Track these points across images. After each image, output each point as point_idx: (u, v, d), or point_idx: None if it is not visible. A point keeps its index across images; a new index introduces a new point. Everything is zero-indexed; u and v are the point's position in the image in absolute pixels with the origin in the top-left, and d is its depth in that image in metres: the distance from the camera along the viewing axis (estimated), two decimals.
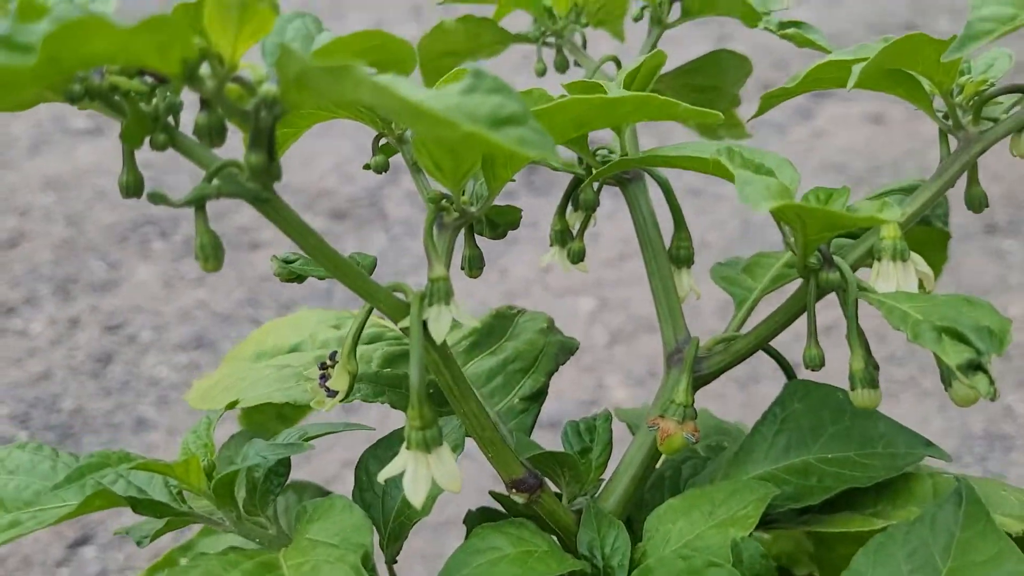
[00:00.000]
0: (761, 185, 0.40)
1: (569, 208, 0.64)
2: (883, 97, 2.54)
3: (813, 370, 0.49)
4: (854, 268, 0.50)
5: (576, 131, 0.46)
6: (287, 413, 0.68)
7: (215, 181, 0.41)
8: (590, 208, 0.60)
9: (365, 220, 2.18)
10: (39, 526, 0.46)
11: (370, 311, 0.47)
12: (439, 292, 0.45)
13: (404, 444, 0.44)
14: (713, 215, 2.05)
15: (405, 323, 0.45)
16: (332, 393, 0.47)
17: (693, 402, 0.52)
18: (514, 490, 0.51)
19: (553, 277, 1.92)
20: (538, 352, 0.61)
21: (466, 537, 0.50)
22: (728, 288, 0.60)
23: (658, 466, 0.58)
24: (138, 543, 0.52)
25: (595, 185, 0.61)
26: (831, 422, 0.54)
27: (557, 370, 0.61)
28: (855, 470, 0.52)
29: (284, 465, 0.50)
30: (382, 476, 0.45)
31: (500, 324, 0.64)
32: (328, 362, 0.48)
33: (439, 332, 0.44)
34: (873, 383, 0.48)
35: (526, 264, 1.97)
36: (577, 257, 0.62)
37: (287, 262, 0.49)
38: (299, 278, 0.52)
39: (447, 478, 0.44)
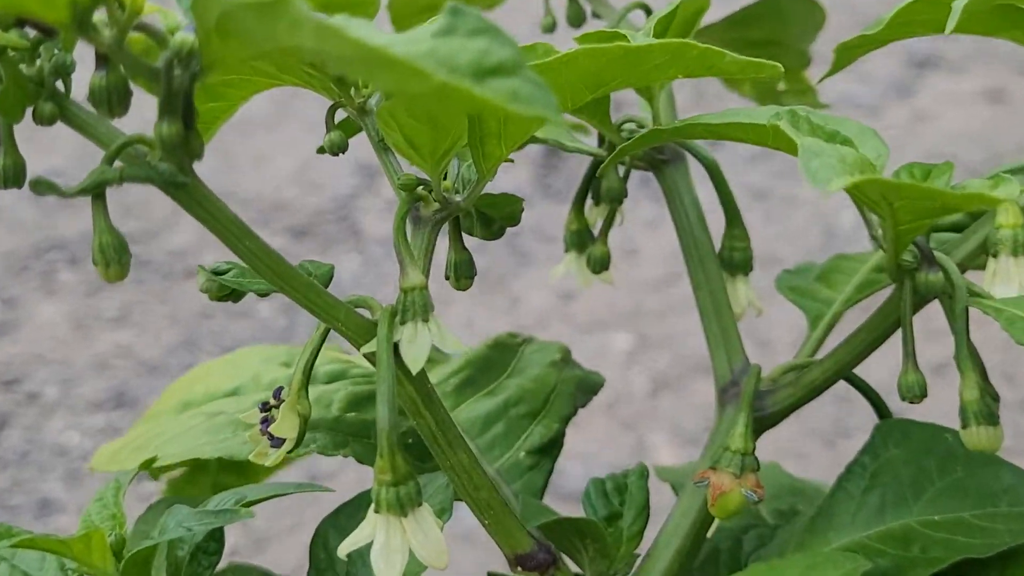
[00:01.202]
0: (833, 157, 0.40)
1: (589, 203, 0.63)
2: (1004, 67, 2.55)
3: (912, 402, 0.48)
4: (962, 269, 0.50)
5: (590, 92, 0.45)
6: (225, 480, 0.68)
7: (117, 163, 0.40)
8: (615, 200, 0.60)
9: (333, 238, 2.18)
10: None
11: (325, 334, 0.47)
12: (414, 306, 0.44)
13: (372, 507, 0.44)
14: (785, 223, 2.04)
15: (371, 347, 0.45)
16: (277, 442, 0.47)
17: (754, 449, 0.51)
18: (519, 568, 0.50)
19: (579, 306, 1.92)
20: (549, 391, 0.60)
21: None
22: (798, 301, 0.60)
23: (710, 535, 0.57)
24: None
25: (620, 169, 0.61)
26: (938, 473, 0.53)
27: (575, 414, 0.60)
28: (971, 535, 0.51)
29: (216, 540, 0.49)
30: (342, 550, 0.45)
31: (500, 356, 0.63)
32: (272, 402, 0.47)
33: (415, 358, 0.44)
34: (992, 418, 0.47)
35: (543, 290, 1.96)
36: (599, 265, 0.61)
37: (217, 273, 0.49)
38: (234, 295, 0.51)
39: (429, 549, 0.44)
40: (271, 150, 2.42)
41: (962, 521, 0.52)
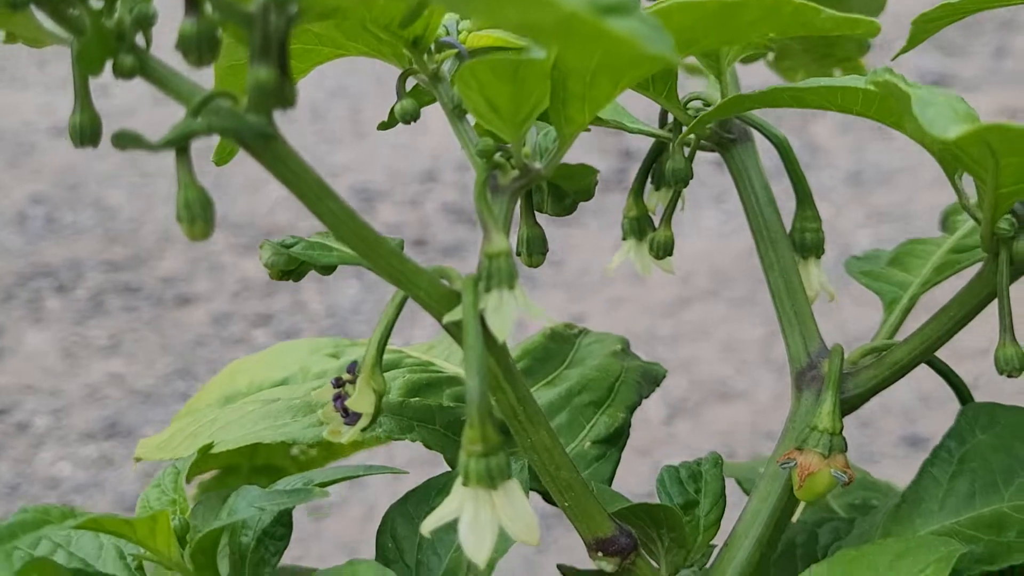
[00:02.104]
0: (946, 106, 0.40)
1: (648, 188, 0.63)
2: (1017, 86, 2.56)
3: (1010, 375, 0.48)
4: None
5: (681, 50, 0.45)
6: (257, 481, 0.67)
7: (201, 119, 0.40)
8: (681, 181, 0.60)
9: None
10: None
11: (400, 307, 0.46)
12: (499, 272, 0.44)
13: (459, 480, 0.43)
14: None
15: (454, 316, 0.44)
16: (352, 419, 0.46)
17: (842, 429, 0.51)
18: (600, 553, 0.49)
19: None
20: (614, 380, 0.60)
21: None
22: (872, 285, 0.60)
23: (790, 525, 0.56)
24: None
25: (677, 151, 0.60)
26: None
27: (640, 404, 0.60)
28: None
29: (284, 525, 0.48)
30: (426, 527, 0.44)
31: (558, 346, 0.63)
32: (345, 377, 0.47)
33: (501, 326, 0.43)
34: None
35: (553, 313, 1.96)
36: (663, 250, 0.61)
37: (285, 247, 0.48)
38: (295, 273, 0.51)
39: (519, 524, 0.43)
40: (263, 175, 2.41)
41: None
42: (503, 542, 0.45)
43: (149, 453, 0.58)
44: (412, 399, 0.55)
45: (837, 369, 0.51)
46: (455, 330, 0.45)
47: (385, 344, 0.47)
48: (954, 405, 0.61)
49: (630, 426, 0.59)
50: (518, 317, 0.45)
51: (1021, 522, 0.51)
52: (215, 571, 0.48)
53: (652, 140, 0.60)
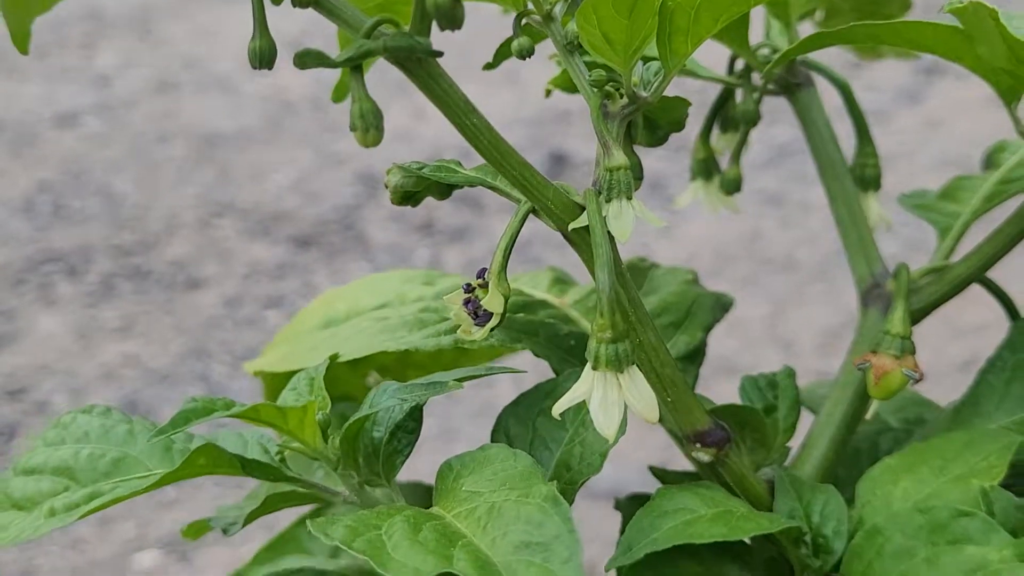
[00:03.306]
0: None
1: (715, 133, 0.69)
2: None
3: None
4: None
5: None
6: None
7: (371, 40, 0.46)
8: (750, 122, 0.66)
9: (339, 248, 2.23)
10: (125, 497, 0.50)
11: (525, 217, 0.52)
12: (619, 184, 0.50)
13: (588, 365, 0.49)
14: (802, 227, 2.11)
15: (579, 223, 0.50)
16: (483, 320, 0.52)
17: (911, 334, 0.57)
18: (698, 445, 0.55)
19: None
20: (689, 303, 0.66)
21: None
22: (925, 215, 0.66)
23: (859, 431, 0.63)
24: (224, 531, 0.56)
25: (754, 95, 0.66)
26: None
27: (714, 326, 0.66)
28: None
29: (415, 419, 0.54)
30: (557, 408, 0.50)
31: (633, 277, 0.68)
32: (476, 282, 0.53)
33: (622, 230, 0.49)
34: None
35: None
36: (732, 186, 0.67)
37: (413, 170, 0.54)
38: (415, 198, 0.57)
39: (644, 403, 0.49)
40: (267, 163, 2.47)
41: None
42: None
43: (267, 367, 0.63)
44: (518, 315, 0.61)
45: (905, 281, 0.58)
46: (577, 237, 0.51)
47: (509, 253, 0.53)
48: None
49: (706, 345, 0.65)
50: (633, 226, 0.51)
51: None
52: (356, 460, 0.54)
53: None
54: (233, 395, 1.75)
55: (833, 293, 1.97)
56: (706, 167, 0.69)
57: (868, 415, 0.64)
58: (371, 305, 0.66)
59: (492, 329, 0.53)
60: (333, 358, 0.57)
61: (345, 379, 0.72)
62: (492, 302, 0.52)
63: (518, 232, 0.53)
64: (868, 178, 0.65)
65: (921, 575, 0.51)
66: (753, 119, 0.66)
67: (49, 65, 2.79)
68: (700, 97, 0.70)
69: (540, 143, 2.43)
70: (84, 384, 1.92)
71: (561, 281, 0.68)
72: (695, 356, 0.64)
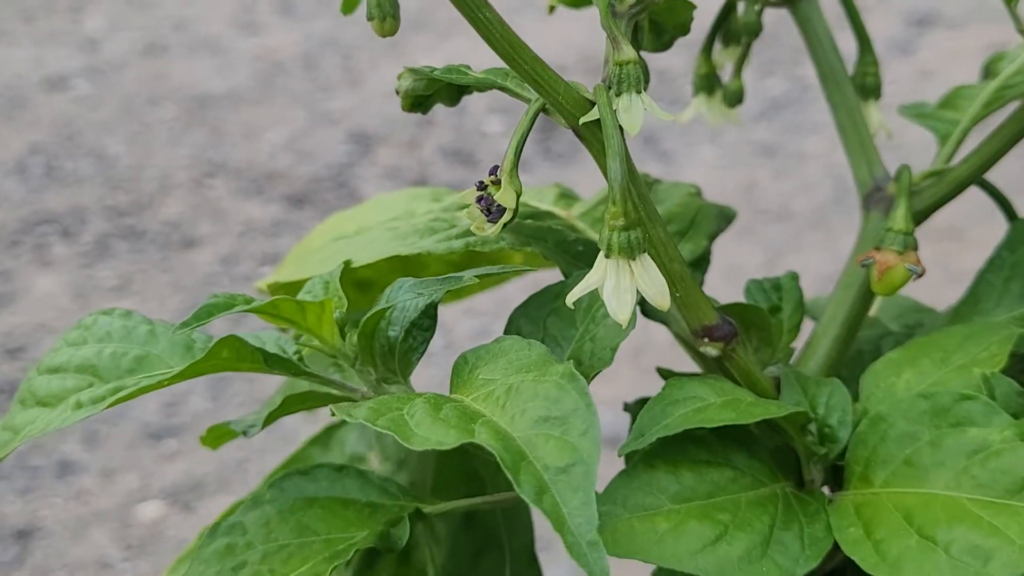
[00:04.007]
0: None
1: (716, 47, 0.71)
2: (1002, 24, 2.66)
3: None
4: None
5: None
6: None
7: None
8: (752, 33, 0.67)
9: (334, 206, 2.24)
10: (152, 387, 0.51)
11: (537, 113, 0.54)
12: (629, 78, 0.51)
13: (601, 253, 0.51)
14: (796, 177, 2.13)
15: (590, 116, 0.52)
16: (496, 215, 0.53)
17: (914, 231, 0.58)
18: (706, 339, 0.57)
19: None
20: (694, 213, 0.67)
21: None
22: (925, 123, 0.67)
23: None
24: (244, 433, 0.58)
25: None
26: None
27: (718, 234, 0.67)
28: None
29: (429, 317, 0.56)
30: (572, 296, 0.51)
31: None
32: (488, 179, 0.54)
33: (632, 123, 0.51)
34: None
35: None
36: (735, 98, 0.69)
37: (424, 73, 0.55)
38: (426, 105, 0.58)
39: (655, 289, 0.51)
40: (260, 123, 2.47)
41: None
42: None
43: (281, 277, 0.65)
44: (526, 221, 0.62)
45: (907, 180, 0.59)
46: (588, 132, 0.53)
47: (521, 150, 0.54)
48: None
49: (711, 253, 0.67)
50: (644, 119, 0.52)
51: None
52: (372, 357, 0.55)
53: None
54: None
55: (829, 241, 1.99)
56: (708, 82, 0.70)
57: (871, 311, 0.66)
58: (380, 220, 0.67)
59: (505, 225, 0.54)
60: (347, 264, 0.59)
61: (355, 302, 0.74)
62: (505, 197, 0.53)
63: (529, 129, 0.54)
64: (869, 86, 0.66)
65: (925, 458, 0.53)
66: (755, 30, 0.67)
67: (37, 29, 2.79)
68: (701, 15, 0.71)
69: None
70: None
71: (567, 196, 0.70)
72: (700, 263, 0.66)
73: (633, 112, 0.51)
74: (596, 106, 0.52)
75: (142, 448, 1.75)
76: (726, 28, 0.70)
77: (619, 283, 0.50)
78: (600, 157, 0.53)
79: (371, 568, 0.60)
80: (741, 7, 0.68)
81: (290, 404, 0.56)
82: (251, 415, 0.60)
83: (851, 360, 0.65)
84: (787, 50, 2.50)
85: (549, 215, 0.65)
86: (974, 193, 0.65)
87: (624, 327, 0.50)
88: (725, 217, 0.69)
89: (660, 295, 0.51)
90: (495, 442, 0.45)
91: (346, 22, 2.76)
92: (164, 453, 1.73)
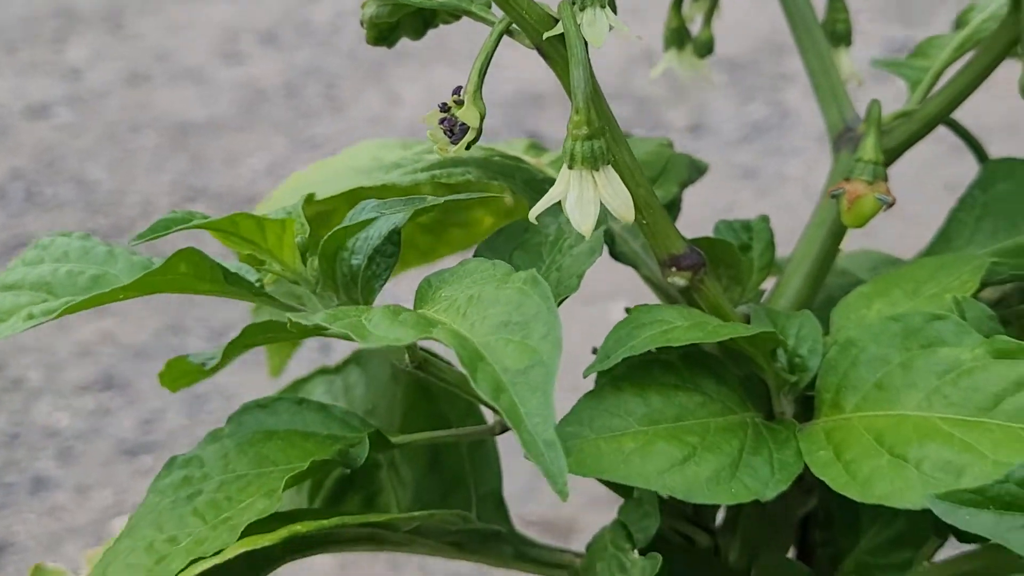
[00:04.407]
0: None
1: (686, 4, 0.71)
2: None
3: None
4: None
5: None
6: None
7: None
8: None
9: None
10: (105, 298, 0.50)
11: (501, 34, 0.53)
12: None
13: (564, 165, 0.50)
14: (777, 198, 2.13)
15: (554, 31, 0.51)
16: (458, 136, 0.53)
17: (883, 162, 0.58)
18: (673, 268, 0.56)
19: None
20: (665, 161, 0.67)
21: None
22: (897, 71, 0.67)
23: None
24: (203, 366, 0.57)
25: None
26: None
27: (690, 183, 0.67)
28: None
29: (393, 242, 0.55)
30: (535, 212, 0.51)
31: None
32: (451, 100, 0.53)
33: (596, 36, 0.51)
34: None
35: None
36: (705, 49, 0.69)
37: None
38: (391, 37, 0.58)
39: (619, 200, 0.50)
40: (241, 149, 2.47)
41: None
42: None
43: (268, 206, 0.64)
44: (495, 158, 0.61)
45: (877, 113, 0.59)
46: (552, 50, 0.52)
47: (485, 71, 0.54)
48: None
49: (681, 200, 0.66)
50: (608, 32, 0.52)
51: None
52: (335, 282, 0.54)
53: None
54: None
55: None
56: (679, 36, 0.70)
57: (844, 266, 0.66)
58: (346, 165, 0.66)
59: (468, 145, 0.53)
60: (309, 197, 0.58)
61: (319, 236, 0.73)
62: (468, 115, 0.52)
63: (493, 51, 0.54)
64: (839, 33, 0.66)
65: (896, 380, 0.52)
66: None
67: (19, 60, 2.79)
68: None
69: (515, 125, 2.44)
70: (60, 360, 1.92)
71: (537, 147, 0.69)
72: (671, 208, 0.65)
73: (597, 25, 0.51)
74: (560, 21, 0.51)
75: (117, 464, 1.73)
76: None
77: (582, 194, 0.50)
78: (564, 75, 0.52)
79: (336, 509, 0.59)
80: None
81: (251, 333, 0.55)
82: (211, 349, 0.59)
83: (822, 305, 0.64)
84: (767, 78, 2.51)
85: (518, 160, 0.65)
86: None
87: (588, 235, 0.50)
88: (696, 168, 0.68)
89: (624, 207, 0.50)
90: (452, 340, 0.44)
91: (330, 52, 2.78)
92: (139, 469, 1.71)
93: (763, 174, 2.25)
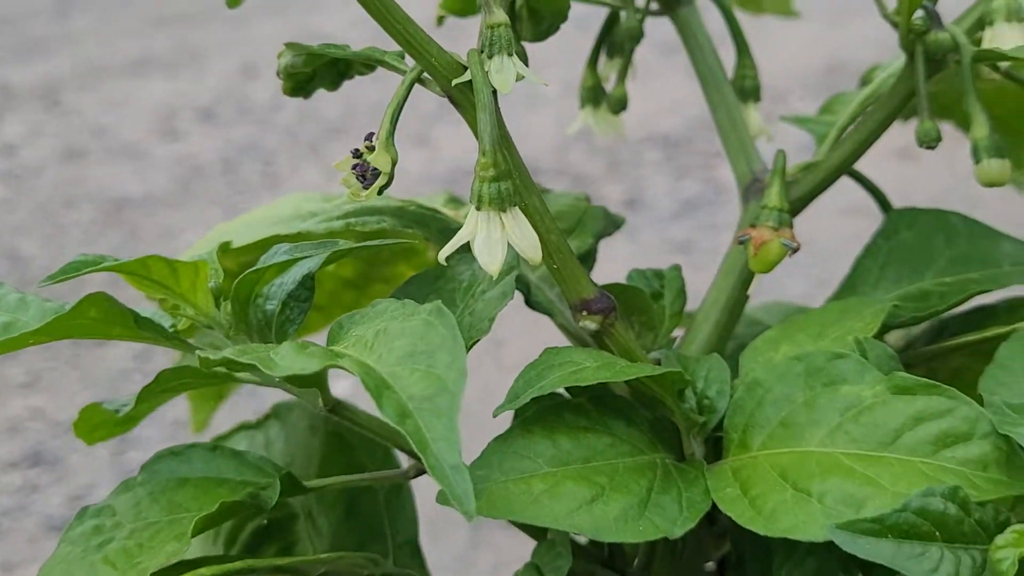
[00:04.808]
0: None
1: (602, 60, 0.72)
2: (909, 128, 2.74)
3: (930, 147, 0.58)
4: None
5: None
6: None
7: None
8: (634, 39, 0.69)
9: None
10: (14, 343, 0.51)
11: (416, 77, 0.54)
12: (500, 40, 0.53)
13: (473, 207, 0.51)
14: (711, 271, 2.16)
15: (463, 78, 0.53)
16: (371, 180, 0.54)
17: (788, 210, 0.60)
18: (584, 312, 0.57)
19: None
20: (581, 214, 0.68)
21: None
22: (805, 126, 0.69)
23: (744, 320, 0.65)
24: (117, 412, 0.57)
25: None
26: (946, 247, 0.63)
27: (605, 235, 0.68)
28: (981, 287, 0.60)
29: (307, 288, 0.55)
30: (444, 253, 0.52)
31: None
32: (363, 146, 0.55)
33: (504, 82, 0.52)
34: (1000, 152, 0.56)
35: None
36: (619, 105, 0.70)
37: (303, 48, 0.56)
38: (307, 87, 0.59)
39: (526, 242, 0.51)
40: (177, 224, 2.47)
41: (971, 280, 0.61)
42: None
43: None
44: (410, 207, 0.63)
45: (782, 162, 0.61)
46: (461, 96, 0.54)
47: (397, 118, 0.55)
48: None
49: (596, 251, 0.67)
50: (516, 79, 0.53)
51: (939, 292, 0.61)
52: (248, 327, 0.55)
53: None
54: (143, 441, 1.75)
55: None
56: (594, 94, 0.72)
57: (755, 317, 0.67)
58: (268, 218, 0.67)
59: (380, 190, 0.54)
60: (225, 245, 0.59)
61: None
62: (380, 160, 0.54)
63: (405, 98, 0.55)
64: (748, 89, 0.68)
65: (800, 418, 0.54)
66: (637, 36, 0.69)
67: None
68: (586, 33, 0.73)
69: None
70: None
71: (455, 200, 0.71)
72: (585, 260, 0.66)
73: (505, 72, 0.52)
74: (468, 69, 0.53)
75: (45, 541, 1.70)
76: (610, 40, 0.72)
77: (490, 235, 0.51)
78: (473, 121, 0.53)
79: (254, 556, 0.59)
80: (624, 15, 0.70)
81: (164, 379, 0.55)
82: (121, 399, 0.59)
83: (734, 353, 0.65)
84: (700, 156, 2.56)
85: (435, 210, 0.66)
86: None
87: (495, 274, 0.51)
88: (612, 221, 0.70)
89: (532, 248, 0.51)
90: (358, 369, 0.44)
91: (267, 128, 2.79)
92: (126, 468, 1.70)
93: (697, 248, 2.28)
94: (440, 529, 1.71)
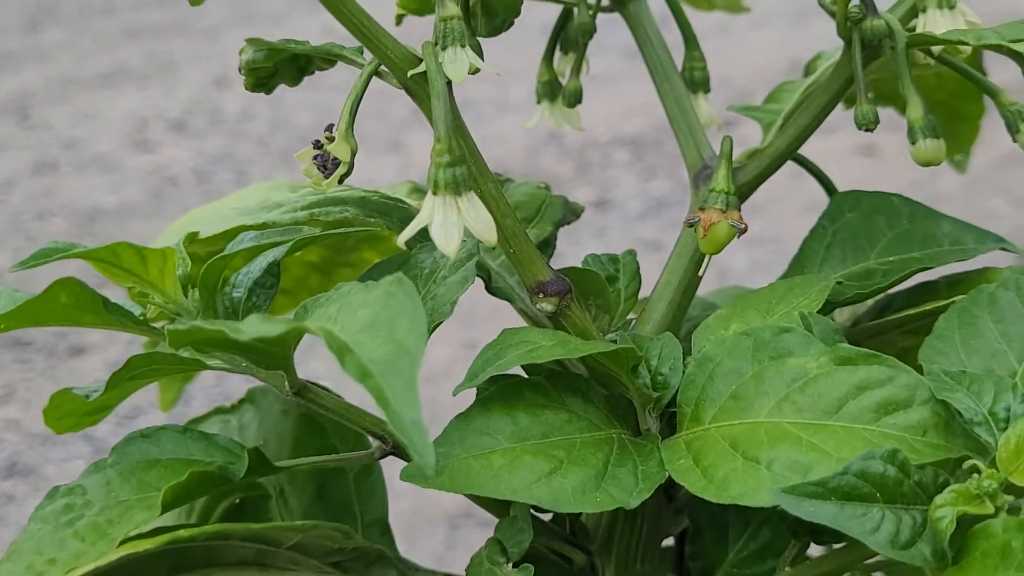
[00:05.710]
0: None
1: (557, 56, 0.75)
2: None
3: (868, 129, 0.60)
4: None
5: None
6: None
7: None
8: (587, 33, 0.71)
9: None
10: None
11: (376, 68, 0.57)
12: (453, 32, 0.55)
13: (429, 192, 0.53)
14: None
15: (417, 69, 0.55)
16: (331, 169, 0.56)
17: (735, 192, 0.62)
18: (540, 295, 0.59)
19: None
20: (540, 203, 0.70)
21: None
22: (752, 115, 0.72)
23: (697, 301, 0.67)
24: (87, 397, 0.59)
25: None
26: (888, 227, 0.65)
27: (564, 224, 0.70)
28: (922, 264, 0.63)
29: (273, 275, 0.57)
30: (402, 238, 0.54)
31: None
32: (324, 137, 0.57)
33: (457, 73, 0.54)
34: (935, 132, 0.59)
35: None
36: (574, 99, 0.73)
37: (264, 44, 0.58)
38: (269, 83, 0.61)
39: (481, 224, 0.53)
40: (150, 234, 2.48)
41: (912, 258, 0.64)
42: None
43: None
44: (373, 197, 0.65)
45: (728, 147, 0.63)
46: (417, 87, 0.56)
47: (356, 109, 0.57)
48: None
49: (556, 239, 0.70)
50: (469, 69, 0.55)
51: (882, 270, 0.64)
52: (216, 313, 0.57)
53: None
54: None
55: None
56: (550, 88, 0.74)
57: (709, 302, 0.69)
58: (234, 206, 0.69)
59: (341, 179, 0.56)
60: (191, 236, 0.61)
61: None
62: (339, 150, 0.56)
63: (364, 90, 0.57)
64: (697, 80, 0.70)
65: (750, 392, 0.56)
66: (590, 31, 0.71)
67: None
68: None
69: None
70: None
71: (419, 190, 0.73)
72: (544, 248, 0.68)
73: (458, 63, 0.55)
74: (424, 60, 0.55)
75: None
76: (564, 36, 0.74)
77: (446, 219, 0.53)
78: (429, 110, 0.56)
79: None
80: (577, 11, 0.72)
81: (134, 364, 0.57)
82: (91, 385, 0.61)
83: (688, 335, 0.67)
84: (668, 156, 2.59)
85: (398, 200, 0.68)
86: None
87: (452, 256, 0.53)
88: (572, 210, 0.72)
89: (487, 230, 0.53)
90: (322, 332, 0.46)
91: (240, 138, 2.81)
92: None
93: (666, 247, 2.29)
94: (417, 530, 1.73)
